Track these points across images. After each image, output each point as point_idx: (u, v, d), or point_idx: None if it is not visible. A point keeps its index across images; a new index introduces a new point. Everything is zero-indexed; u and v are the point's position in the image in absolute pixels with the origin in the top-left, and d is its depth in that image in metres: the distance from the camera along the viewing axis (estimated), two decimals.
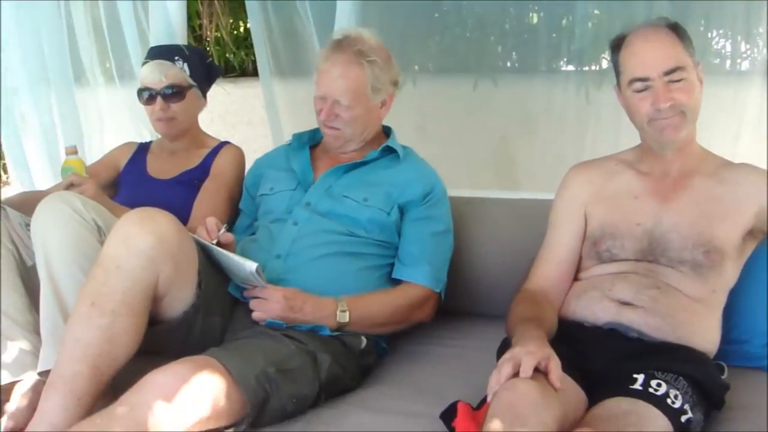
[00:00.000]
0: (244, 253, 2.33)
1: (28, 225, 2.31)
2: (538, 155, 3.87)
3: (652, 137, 2.18)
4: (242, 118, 4.82)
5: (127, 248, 1.99)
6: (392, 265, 2.52)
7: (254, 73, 4.39)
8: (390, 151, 2.61)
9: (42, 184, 3.92)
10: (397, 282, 2.50)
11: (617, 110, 2.29)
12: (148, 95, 2.86)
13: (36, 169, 4.02)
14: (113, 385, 1.98)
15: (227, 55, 5.27)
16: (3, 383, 2.15)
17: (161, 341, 2.18)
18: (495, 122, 4.05)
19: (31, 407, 2.03)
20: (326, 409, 2.11)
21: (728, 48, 3.53)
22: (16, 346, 2.20)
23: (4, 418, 2.05)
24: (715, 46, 3.60)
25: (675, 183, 2.20)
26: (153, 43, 3.45)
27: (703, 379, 1.95)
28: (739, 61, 3.53)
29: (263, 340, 2.12)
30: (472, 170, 3.99)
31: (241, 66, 5.24)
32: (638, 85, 2.11)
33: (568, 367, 1.82)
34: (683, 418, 1.81)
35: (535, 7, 4.07)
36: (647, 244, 2.15)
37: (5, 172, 4.61)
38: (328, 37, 2.65)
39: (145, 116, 3.01)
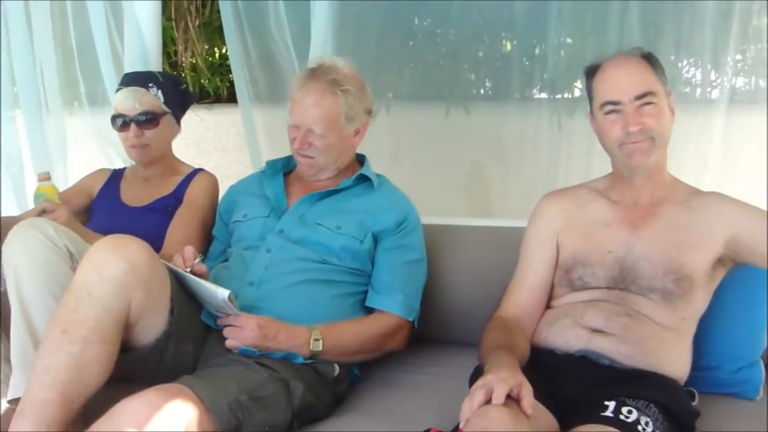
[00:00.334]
0: (217, 280, 2.33)
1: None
2: (511, 182, 3.90)
3: (621, 162, 2.20)
4: (217, 144, 4.83)
5: (99, 275, 1.98)
6: (365, 292, 2.52)
7: (229, 100, 4.42)
8: (364, 179, 2.62)
9: (7, 210, 3.90)
10: (370, 310, 2.50)
11: (589, 138, 2.32)
12: (121, 122, 2.85)
13: (4, 196, 3.99)
14: (84, 413, 1.96)
15: (202, 81, 5.27)
16: None
17: (133, 368, 2.16)
18: (468, 149, 4.08)
19: None
20: None
21: (698, 77, 3.57)
22: None
23: None
24: (686, 75, 3.64)
25: (645, 211, 2.22)
26: (127, 69, 3.45)
27: (674, 405, 1.96)
28: (708, 89, 3.56)
29: (236, 367, 2.11)
30: (445, 197, 4.01)
31: (215, 92, 5.25)
32: (609, 107, 2.14)
33: (539, 394, 1.82)
34: None
35: (508, 35, 4.09)
36: (618, 272, 2.16)
37: None
38: (302, 65, 2.67)
39: (118, 142, 3.00)
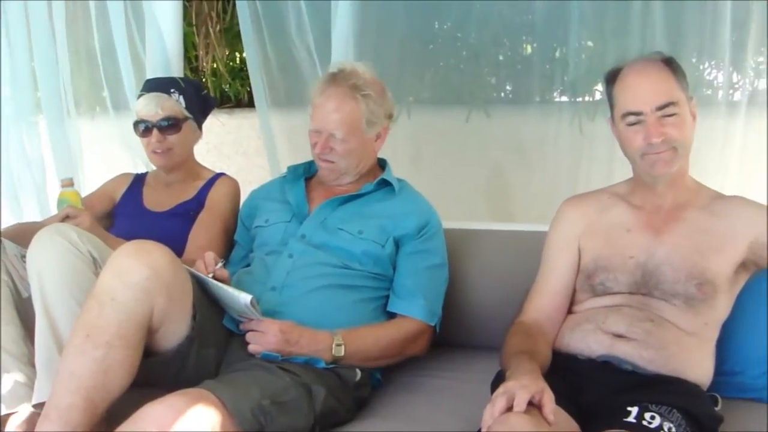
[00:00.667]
0: (239, 285, 2.34)
1: (23, 256, 2.31)
2: (532, 186, 3.88)
3: (644, 170, 2.20)
4: (238, 149, 4.84)
5: (121, 280, 1.99)
6: (387, 297, 2.52)
7: (250, 104, 4.42)
8: (385, 183, 2.62)
9: (30, 216, 3.93)
10: (391, 314, 2.51)
11: (610, 142, 2.31)
12: (144, 127, 2.87)
13: (27, 201, 4.03)
14: (107, 418, 1.97)
15: (223, 85, 5.29)
16: None
17: (156, 373, 2.18)
18: (489, 153, 4.06)
19: None
20: None
21: (720, 79, 3.54)
22: (11, 378, 2.20)
23: None
24: (708, 77, 3.62)
25: (667, 216, 2.21)
26: (149, 74, 3.48)
27: (697, 411, 1.95)
28: (731, 91, 3.54)
29: (258, 372, 2.12)
30: (466, 201, 4.00)
31: (236, 97, 5.26)
32: (631, 119, 2.13)
33: (561, 400, 1.81)
34: None
35: (528, 38, 4.09)
36: (640, 277, 2.15)
37: None
38: (325, 70, 2.67)
39: (140, 147, 3.02)
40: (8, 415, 2.14)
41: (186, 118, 2.92)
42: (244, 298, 2.16)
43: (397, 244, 2.52)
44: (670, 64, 2.16)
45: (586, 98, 3.80)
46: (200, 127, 3.04)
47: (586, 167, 3.64)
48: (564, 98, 3.92)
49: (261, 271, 2.49)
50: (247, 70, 3.92)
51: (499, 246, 2.89)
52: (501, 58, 4.21)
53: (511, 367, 1.91)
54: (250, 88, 3.91)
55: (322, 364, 2.26)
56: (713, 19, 3.30)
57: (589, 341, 2.13)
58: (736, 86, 3.52)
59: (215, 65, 5.19)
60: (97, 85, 4.22)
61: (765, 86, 3.46)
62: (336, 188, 2.65)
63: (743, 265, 2.16)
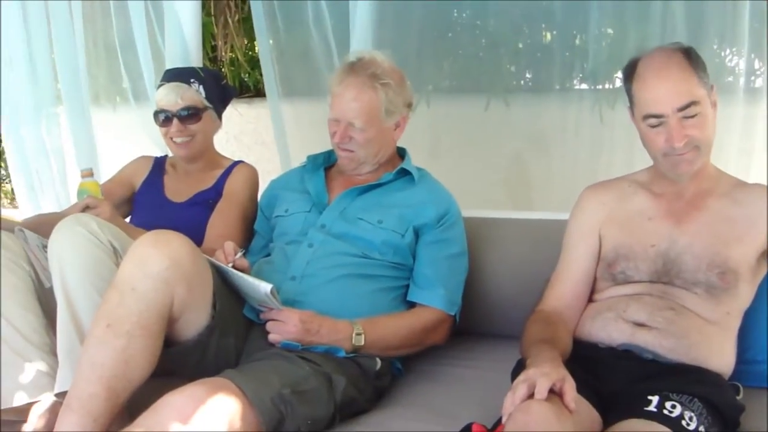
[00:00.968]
0: (259, 275, 2.35)
1: (45, 247, 2.32)
2: (552, 175, 3.87)
3: (667, 169, 2.17)
4: (257, 138, 4.85)
5: (141, 270, 2.00)
6: (406, 286, 2.52)
7: None
8: (405, 173, 2.62)
9: (48, 207, 3.95)
10: (410, 304, 2.51)
11: (631, 130, 2.28)
12: (164, 117, 2.88)
13: (45, 192, 4.05)
14: (128, 407, 1.99)
15: (242, 75, 5.30)
16: (20, 404, 2.16)
17: (176, 363, 2.19)
18: (508, 142, 4.05)
19: (48, 428, 2.05)
20: (341, 431, 2.11)
21: (741, 65, 3.51)
22: (34, 368, 2.21)
23: None
24: (729, 64, 3.58)
25: (689, 204, 2.19)
26: (168, 64, 3.48)
27: (718, 400, 1.94)
28: (752, 78, 3.51)
29: (278, 361, 2.12)
30: (485, 190, 3.99)
31: (255, 86, 5.27)
32: (652, 121, 2.09)
33: (582, 389, 1.81)
34: None
35: (548, 26, 4.06)
36: (662, 265, 2.14)
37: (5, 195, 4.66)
38: (342, 59, 2.67)
39: (161, 137, 3.03)
40: (31, 404, 2.15)
41: (206, 108, 2.92)
42: (265, 287, 2.17)
43: (417, 233, 2.52)
44: (689, 56, 2.10)
45: (607, 86, 3.77)
46: (220, 117, 3.05)
47: (607, 155, 3.62)
48: (584, 86, 3.89)
49: (281, 260, 2.49)
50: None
51: (518, 234, 2.89)
52: (520, 46, 4.19)
53: (532, 355, 1.91)
54: None
55: (343, 354, 2.27)
56: (734, 5, 3.27)
57: (610, 330, 2.12)
58: (758, 72, 3.49)
59: (234, 55, 5.20)
60: (117, 76, 4.24)
61: None
62: (355, 178, 2.65)
63: (765, 254, 2.14)
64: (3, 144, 3.92)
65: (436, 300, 2.48)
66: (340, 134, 2.52)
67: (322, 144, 2.76)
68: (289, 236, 2.56)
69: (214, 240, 2.64)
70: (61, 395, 2.04)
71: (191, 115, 2.88)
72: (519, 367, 2.03)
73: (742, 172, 2.46)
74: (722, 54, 3.53)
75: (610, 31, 3.73)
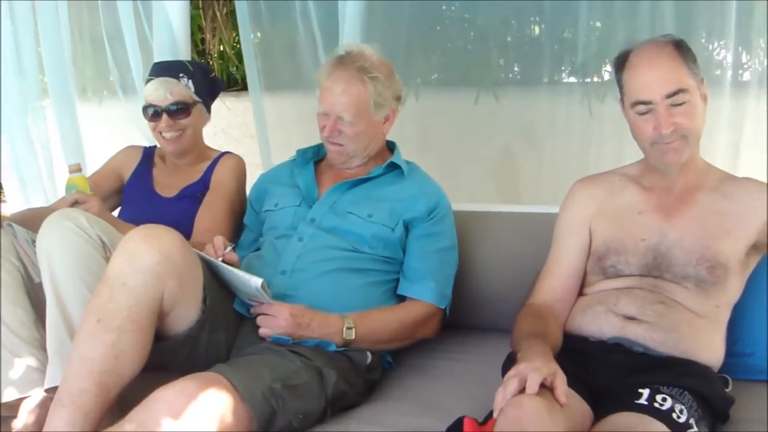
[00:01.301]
0: (249, 269, 2.34)
1: (34, 241, 2.31)
2: (542, 168, 3.87)
3: (654, 159, 2.19)
4: (245, 132, 4.83)
5: (131, 265, 2.00)
6: (397, 280, 2.53)
7: None
8: (395, 166, 2.62)
9: (36, 200, 3.94)
10: (401, 298, 2.51)
11: (620, 123, 2.29)
12: (153, 112, 2.86)
13: (33, 186, 4.03)
14: (119, 402, 1.98)
15: (230, 68, 5.28)
16: (10, 400, 2.16)
17: (167, 357, 2.19)
18: (498, 135, 4.05)
19: (39, 424, 2.05)
20: (332, 424, 2.11)
21: (729, 59, 3.52)
22: (23, 363, 2.21)
23: None
24: (717, 57, 3.59)
25: (678, 198, 2.20)
26: (157, 58, 3.47)
27: (708, 393, 1.96)
28: (740, 71, 3.52)
29: (269, 356, 2.12)
30: (475, 183, 4.00)
31: (243, 79, 5.25)
32: (641, 108, 2.10)
33: (573, 383, 1.82)
34: None
35: (536, 19, 4.06)
36: (652, 259, 2.15)
37: None
38: (329, 53, 2.66)
39: (148, 131, 3.01)
40: (21, 400, 2.15)
41: (195, 102, 2.91)
42: (255, 281, 2.17)
43: (407, 227, 2.52)
44: (680, 48, 2.12)
45: (595, 79, 3.77)
46: (209, 110, 3.03)
47: (596, 148, 3.63)
48: (572, 79, 3.89)
49: (271, 254, 2.49)
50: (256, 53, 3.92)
51: (509, 228, 2.89)
52: (509, 39, 4.18)
53: (523, 350, 1.91)
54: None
55: (333, 348, 2.27)
56: None
57: (600, 323, 2.13)
58: (746, 66, 3.50)
59: (222, 48, 5.19)
60: (104, 68, 4.22)
61: None
62: (345, 172, 2.64)
63: (754, 247, 2.15)
64: None
65: (426, 293, 2.48)
66: (329, 128, 2.52)
67: (308, 138, 2.76)
68: (279, 230, 2.55)
69: (202, 233, 2.64)
70: (51, 391, 2.04)
71: (180, 110, 2.86)
72: (509, 361, 2.04)
73: (729, 165, 2.47)
74: (710, 47, 3.54)
75: (598, 24, 3.73)
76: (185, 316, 2.16)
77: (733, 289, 2.14)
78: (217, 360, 2.14)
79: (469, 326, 2.79)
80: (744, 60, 3.50)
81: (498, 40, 4.12)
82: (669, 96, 2.06)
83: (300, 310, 2.26)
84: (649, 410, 1.81)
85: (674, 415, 1.81)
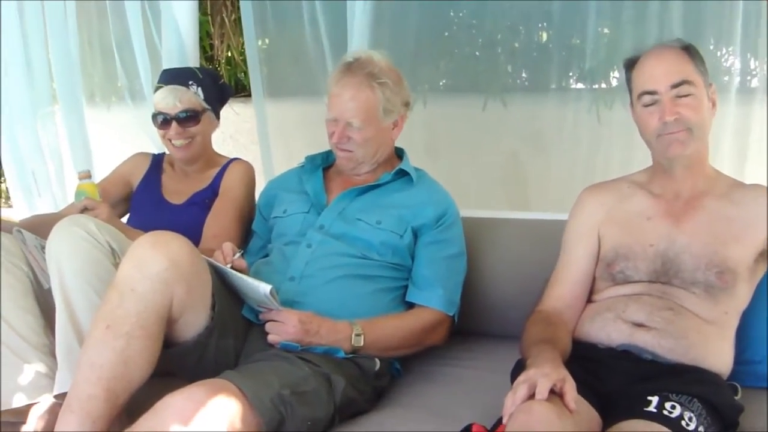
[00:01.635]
0: (257, 275, 2.35)
1: (44, 248, 2.32)
2: (550, 175, 3.86)
3: (659, 153, 2.20)
4: (254, 138, 4.82)
5: (140, 272, 2.00)
6: (405, 287, 2.52)
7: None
8: (403, 173, 2.62)
9: (45, 206, 3.94)
10: (409, 304, 2.51)
11: (628, 129, 2.30)
12: (162, 119, 2.86)
13: (41, 191, 4.04)
14: (128, 408, 1.98)
15: (238, 74, 5.29)
16: (19, 406, 2.16)
17: (175, 364, 2.20)
18: (505, 142, 4.05)
19: (48, 430, 2.06)
20: (341, 431, 2.11)
21: (737, 65, 3.52)
22: (32, 369, 2.21)
23: None
24: (725, 64, 3.59)
25: (687, 204, 2.20)
26: (165, 64, 3.47)
27: (717, 400, 1.95)
28: (748, 78, 3.52)
29: (278, 362, 2.12)
30: (483, 190, 3.99)
31: None
32: (646, 98, 2.14)
33: (582, 389, 1.81)
34: None
35: (544, 26, 4.06)
36: (660, 265, 2.15)
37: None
38: (337, 59, 2.67)
39: (157, 137, 3.02)
40: (30, 406, 2.15)
41: (204, 110, 2.91)
42: (264, 287, 2.17)
43: (416, 234, 2.52)
44: (688, 49, 2.17)
45: (603, 85, 3.77)
46: (218, 117, 3.04)
47: (604, 154, 3.62)
48: (580, 85, 3.89)
49: (280, 261, 2.49)
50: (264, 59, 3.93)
51: (517, 235, 2.89)
52: (517, 45, 4.18)
53: (532, 356, 1.91)
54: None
55: (342, 354, 2.27)
56: (731, 5, 3.27)
57: (608, 330, 2.12)
58: (754, 72, 3.50)
59: (230, 54, 5.19)
60: (113, 75, 4.23)
61: None
62: (354, 178, 2.65)
63: (763, 254, 2.15)
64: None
65: (434, 300, 2.48)
66: (338, 134, 2.52)
67: (316, 144, 2.76)
68: (287, 237, 2.56)
69: (211, 240, 2.64)
70: (60, 396, 2.04)
71: (190, 117, 2.86)
72: (518, 368, 2.04)
73: (737, 172, 2.47)
74: (718, 54, 3.54)
75: (606, 30, 3.73)
76: (194, 322, 2.16)
77: (742, 296, 2.14)
78: (226, 366, 2.13)
79: (478, 333, 2.79)
80: (752, 66, 3.50)
81: (506, 46, 4.12)
82: (674, 86, 2.10)
83: (309, 317, 2.26)
84: (658, 418, 1.80)
85: (683, 423, 1.80)
